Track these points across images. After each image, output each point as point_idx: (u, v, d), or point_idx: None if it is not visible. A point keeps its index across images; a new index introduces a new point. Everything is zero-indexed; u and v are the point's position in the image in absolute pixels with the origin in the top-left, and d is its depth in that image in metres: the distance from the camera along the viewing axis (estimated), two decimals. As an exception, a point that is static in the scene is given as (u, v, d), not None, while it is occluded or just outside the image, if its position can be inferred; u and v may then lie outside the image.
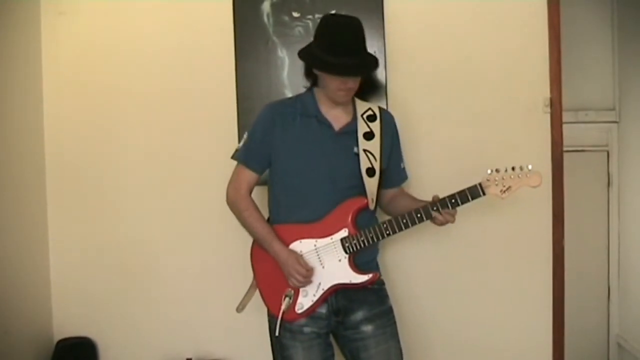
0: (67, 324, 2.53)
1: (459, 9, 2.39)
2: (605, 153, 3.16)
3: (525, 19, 2.38)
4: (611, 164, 3.15)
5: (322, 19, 1.90)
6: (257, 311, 2.02)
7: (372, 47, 2.35)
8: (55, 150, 2.54)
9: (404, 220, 1.86)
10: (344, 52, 1.81)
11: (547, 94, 2.37)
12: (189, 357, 2.46)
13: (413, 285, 2.39)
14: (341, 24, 1.85)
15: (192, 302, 2.50)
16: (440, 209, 1.86)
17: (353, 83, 1.88)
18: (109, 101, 2.52)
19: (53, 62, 2.52)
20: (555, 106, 2.36)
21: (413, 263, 2.41)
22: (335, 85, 1.86)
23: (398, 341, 1.97)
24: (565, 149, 2.38)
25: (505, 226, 2.41)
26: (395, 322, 1.98)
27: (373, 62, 1.92)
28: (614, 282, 3.16)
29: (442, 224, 1.89)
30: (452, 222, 1.90)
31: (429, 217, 1.87)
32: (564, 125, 2.38)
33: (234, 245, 2.40)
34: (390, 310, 1.98)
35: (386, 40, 2.37)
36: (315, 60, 1.86)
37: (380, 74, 2.37)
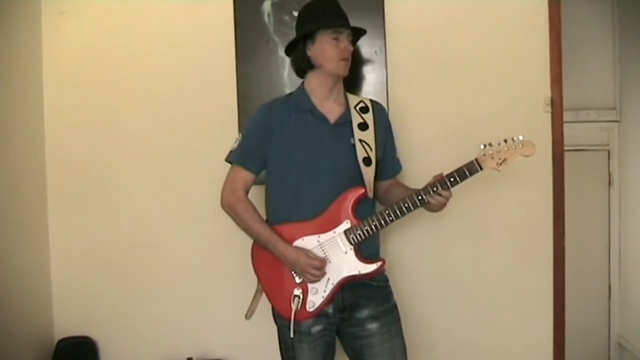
0: (68, 323, 2.53)
1: (460, 9, 2.38)
2: (606, 152, 3.16)
3: (526, 18, 2.37)
4: (612, 163, 3.15)
5: (300, 10, 2.00)
6: (258, 311, 2.02)
7: (372, 46, 2.36)
8: (56, 150, 2.54)
9: (406, 205, 1.85)
10: (332, 13, 1.91)
11: (548, 93, 2.37)
12: (190, 356, 2.46)
13: (413, 284, 2.39)
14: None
15: (193, 301, 2.50)
16: (440, 189, 1.83)
17: (350, 45, 1.92)
18: (109, 101, 2.51)
19: (54, 62, 2.52)
20: (556, 105, 2.36)
21: (413, 261, 2.41)
22: (336, 53, 1.89)
23: (402, 338, 1.96)
24: (566, 148, 2.37)
25: (506, 225, 2.41)
26: (399, 320, 1.97)
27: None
28: (615, 281, 3.16)
29: (436, 207, 1.86)
30: (444, 205, 1.86)
31: (429, 197, 1.85)
32: (565, 125, 2.38)
33: (235, 245, 2.40)
34: (394, 307, 1.98)
35: (387, 40, 2.37)
36: (305, 29, 1.91)
37: (381, 73, 2.37)
